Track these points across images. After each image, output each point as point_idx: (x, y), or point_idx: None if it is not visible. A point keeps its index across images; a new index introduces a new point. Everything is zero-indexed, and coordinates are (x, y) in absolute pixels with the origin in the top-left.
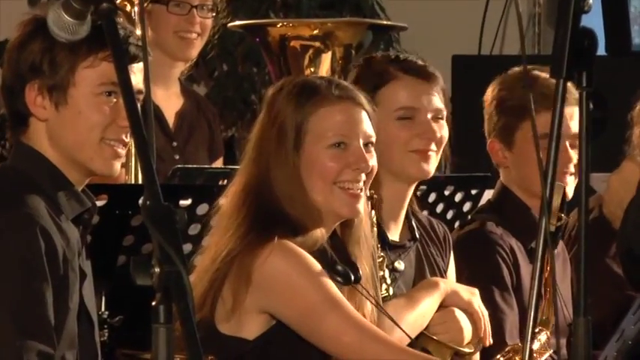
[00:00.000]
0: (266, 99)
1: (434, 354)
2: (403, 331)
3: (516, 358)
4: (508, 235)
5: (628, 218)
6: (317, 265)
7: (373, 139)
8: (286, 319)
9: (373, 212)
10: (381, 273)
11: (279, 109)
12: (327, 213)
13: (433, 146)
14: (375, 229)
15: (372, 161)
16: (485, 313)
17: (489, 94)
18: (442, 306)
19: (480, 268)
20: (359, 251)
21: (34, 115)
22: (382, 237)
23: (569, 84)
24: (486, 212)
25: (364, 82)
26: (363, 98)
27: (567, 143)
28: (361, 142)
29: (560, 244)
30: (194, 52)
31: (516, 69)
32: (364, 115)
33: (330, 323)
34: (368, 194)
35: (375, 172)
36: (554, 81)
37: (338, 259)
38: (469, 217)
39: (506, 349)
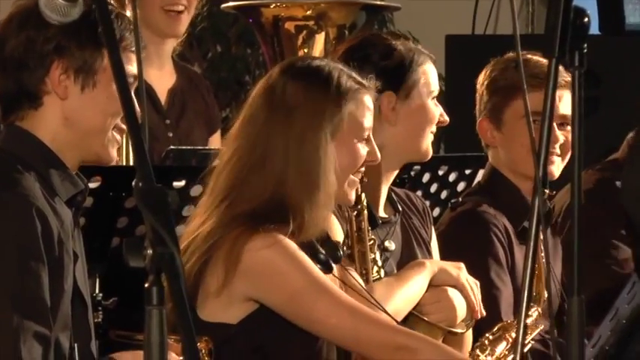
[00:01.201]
0: (278, 79)
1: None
2: (387, 312)
3: (507, 335)
4: (501, 215)
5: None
6: (303, 253)
7: None
8: (275, 306)
9: (363, 195)
10: (372, 255)
11: (313, 98)
12: (335, 200)
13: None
14: (366, 211)
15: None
16: (476, 283)
17: (482, 76)
18: (431, 285)
19: (475, 246)
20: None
21: (56, 93)
22: (371, 217)
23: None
24: (477, 194)
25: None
26: (373, 87)
27: (554, 124)
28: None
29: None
30: (182, 28)
31: (511, 53)
32: (372, 104)
33: (321, 307)
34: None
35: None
36: (545, 62)
37: (321, 242)
38: (459, 198)
39: (497, 327)
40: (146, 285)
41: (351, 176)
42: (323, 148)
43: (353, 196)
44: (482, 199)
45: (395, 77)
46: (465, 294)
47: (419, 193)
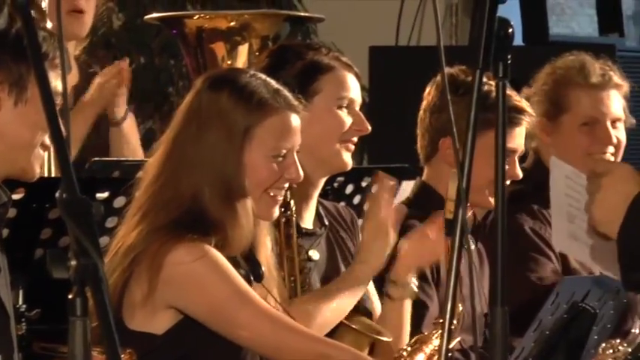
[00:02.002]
0: (200, 89)
1: (352, 344)
2: (306, 330)
3: (424, 347)
4: None
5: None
6: (227, 262)
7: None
8: (198, 315)
9: (292, 202)
10: (300, 262)
11: (226, 108)
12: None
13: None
14: (294, 219)
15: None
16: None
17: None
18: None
19: None
20: (262, 243)
21: None
22: (296, 226)
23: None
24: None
25: None
26: (299, 105)
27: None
28: (295, 150)
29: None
30: (82, 30)
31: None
32: (299, 122)
33: (243, 316)
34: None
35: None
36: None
37: (243, 255)
38: None
39: (414, 339)
40: (70, 296)
41: (271, 192)
42: (231, 161)
43: (275, 212)
44: (411, 212)
45: (297, 83)
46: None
47: (342, 204)
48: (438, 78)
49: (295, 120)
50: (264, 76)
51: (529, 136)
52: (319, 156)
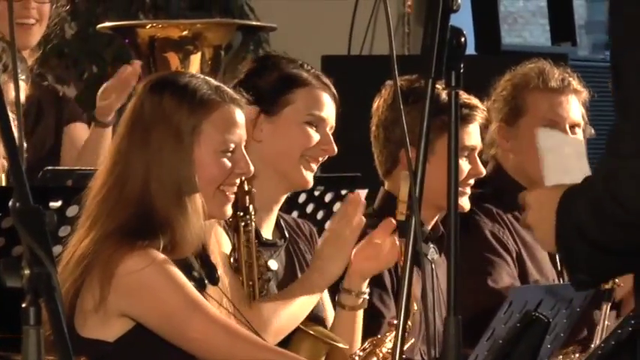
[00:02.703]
0: (141, 94)
1: (309, 350)
2: (259, 335)
3: (377, 350)
4: None
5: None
6: (177, 270)
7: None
8: (149, 323)
9: (252, 207)
10: (259, 268)
11: (170, 110)
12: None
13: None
14: (254, 224)
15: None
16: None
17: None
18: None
19: None
20: (213, 243)
21: None
22: (256, 234)
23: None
24: (370, 218)
25: None
26: (242, 100)
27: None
28: (242, 145)
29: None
30: (32, 39)
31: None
32: (243, 118)
33: (196, 325)
34: (246, 189)
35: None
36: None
37: (199, 259)
38: None
39: (368, 342)
40: (23, 305)
41: (223, 188)
42: (182, 162)
43: (228, 210)
44: (373, 222)
45: (271, 91)
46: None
47: (295, 213)
48: (383, 91)
49: (239, 114)
50: (202, 76)
51: (488, 144)
52: (280, 169)
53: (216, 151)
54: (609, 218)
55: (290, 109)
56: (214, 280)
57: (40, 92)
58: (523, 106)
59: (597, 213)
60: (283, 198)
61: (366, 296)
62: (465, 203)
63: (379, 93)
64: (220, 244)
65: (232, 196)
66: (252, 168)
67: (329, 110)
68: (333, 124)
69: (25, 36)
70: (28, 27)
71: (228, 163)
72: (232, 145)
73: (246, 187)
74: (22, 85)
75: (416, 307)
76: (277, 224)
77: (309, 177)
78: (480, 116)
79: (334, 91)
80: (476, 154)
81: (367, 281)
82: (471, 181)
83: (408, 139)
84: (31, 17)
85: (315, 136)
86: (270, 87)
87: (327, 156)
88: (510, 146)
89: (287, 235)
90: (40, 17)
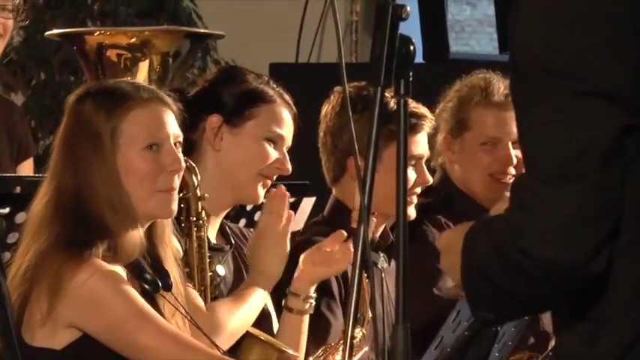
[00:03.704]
0: (69, 106)
1: (259, 356)
2: (211, 341)
3: (330, 357)
4: None
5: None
6: (125, 281)
7: (181, 139)
8: (98, 335)
9: (204, 212)
10: (210, 273)
11: (89, 116)
12: (144, 216)
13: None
14: (205, 229)
15: (182, 162)
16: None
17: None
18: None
19: None
20: (166, 251)
21: None
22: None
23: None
24: (319, 225)
25: None
26: (169, 98)
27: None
28: (172, 142)
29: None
30: None
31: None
32: (171, 115)
33: (144, 336)
34: (199, 194)
35: (182, 172)
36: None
37: (150, 264)
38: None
39: (321, 349)
40: None
41: (159, 187)
42: (105, 167)
43: (173, 208)
44: (321, 229)
45: (235, 103)
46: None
47: (243, 221)
48: (332, 98)
49: (165, 112)
50: (133, 80)
51: (437, 153)
52: (234, 181)
53: (140, 149)
54: (515, 268)
55: (253, 124)
56: (167, 286)
57: None
58: (467, 121)
59: (502, 261)
60: (229, 207)
61: (313, 301)
62: (411, 212)
63: (327, 99)
64: (175, 250)
65: (174, 195)
66: (183, 164)
67: (289, 129)
68: (290, 144)
69: None
70: None
71: (156, 159)
72: (157, 141)
73: (199, 193)
74: None
75: (371, 315)
76: (222, 230)
77: (262, 194)
78: (427, 125)
79: (295, 110)
80: (423, 163)
81: (315, 286)
82: (418, 190)
83: (357, 147)
84: None
85: (273, 154)
86: (236, 99)
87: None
88: (455, 158)
89: (233, 242)
90: (3, 32)
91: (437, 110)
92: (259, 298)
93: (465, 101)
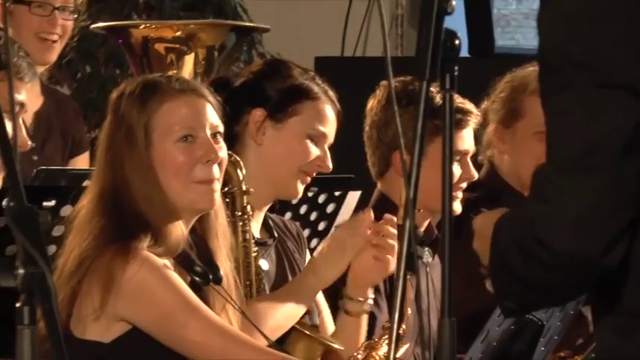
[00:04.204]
0: (110, 103)
1: (305, 350)
2: (262, 334)
3: (374, 353)
4: None
5: (501, 234)
6: (173, 272)
7: (220, 129)
8: (146, 327)
9: (249, 207)
10: (255, 267)
11: (125, 111)
12: (184, 208)
13: None
14: (251, 224)
15: (222, 152)
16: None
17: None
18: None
19: None
20: (218, 245)
21: None
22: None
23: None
24: None
25: None
26: (205, 90)
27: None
28: (208, 132)
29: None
30: (53, 56)
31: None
32: (208, 107)
33: (191, 328)
34: (244, 189)
35: (225, 163)
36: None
37: (199, 258)
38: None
39: (364, 345)
40: (17, 305)
41: (197, 177)
42: (138, 162)
43: (214, 199)
44: None
45: (279, 98)
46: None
47: (288, 214)
48: (378, 92)
49: (199, 103)
50: (168, 74)
51: (485, 146)
52: (274, 176)
53: (175, 140)
54: (532, 258)
55: (296, 120)
56: (218, 280)
57: (50, 104)
58: (520, 110)
59: (521, 251)
60: (270, 202)
61: (371, 301)
62: (456, 207)
63: (373, 94)
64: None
65: (214, 186)
66: (221, 154)
67: (332, 127)
68: (332, 141)
69: (46, 52)
70: (50, 43)
71: (191, 150)
72: (192, 132)
73: (244, 187)
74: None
75: (410, 311)
76: (265, 224)
77: (301, 190)
78: (473, 121)
79: (339, 107)
80: (468, 158)
81: (370, 288)
82: (463, 185)
83: (402, 142)
84: (54, 34)
85: (315, 151)
86: (281, 94)
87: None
88: (506, 148)
89: (276, 235)
90: (62, 33)
91: (485, 104)
92: (306, 297)
93: (518, 90)
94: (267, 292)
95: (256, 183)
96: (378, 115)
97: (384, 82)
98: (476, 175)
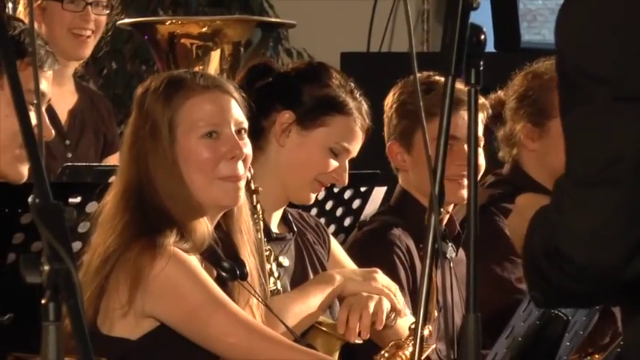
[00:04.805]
0: (135, 98)
1: (323, 346)
2: (287, 327)
3: (400, 352)
4: (407, 236)
5: (534, 229)
6: (200, 268)
7: (245, 125)
8: (173, 322)
9: (259, 206)
10: (269, 266)
11: (149, 107)
12: (208, 205)
13: None
14: (262, 222)
15: (247, 149)
16: (393, 285)
17: (390, 97)
18: (342, 297)
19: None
20: (242, 241)
21: None
22: (266, 229)
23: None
24: (386, 214)
25: None
26: (230, 86)
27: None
28: (233, 128)
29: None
30: (87, 51)
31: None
32: (233, 103)
33: (217, 324)
34: (252, 187)
35: (250, 160)
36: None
37: (224, 254)
38: (368, 218)
39: (390, 344)
40: (43, 301)
41: (222, 174)
42: (162, 158)
43: (239, 196)
44: (390, 220)
45: (312, 105)
46: (382, 297)
47: (314, 210)
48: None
49: (224, 99)
50: (193, 70)
51: (507, 143)
52: (289, 180)
53: (199, 136)
54: (558, 267)
55: (323, 131)
56: (244, 276)
57: (85, 102)
58: (552, 109)
59: (548, 258)
60: (285, 203)
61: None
62: (464, 194)
63: (392, 89)
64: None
65: (239, 183)
66: (245, 151)
67: (357, 144)
68: (354, 156)
69: (80, 48)
70: (83, 39)
71: (215, 147)
72: (216, 128)
73: (252, 186)
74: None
75: (436, 314)
76: (284, 218)
77: (312, 198)
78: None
79: (369, 123)
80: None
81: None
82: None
83: (427, 137)
84: (88, 29)
85: (334, 164)
86: (314, 102)
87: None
88: (536, 146)
89: (295, 229)
90: (96, 28)
91: (498, 96)
92: (327, 296)
93: (549, 88)
94: (288, 287)
95: (271, 182)
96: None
97: (406, 79)
98: (484, 164)
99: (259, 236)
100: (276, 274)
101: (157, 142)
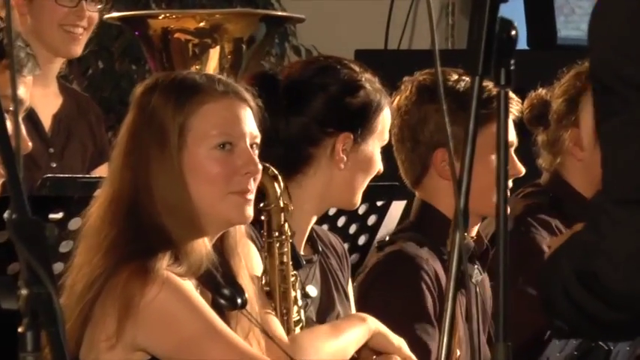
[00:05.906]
0: (135, 99)
1: None
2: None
3: None
4: (434, 258)
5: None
6: (196, 295)
7: (258, 140)
8: (166, 356)
9: (287, 225)
10: (294, 294)
11: (156, 109)
12: (215, 221)
13: None
14: (289, 245)
15: (259, 165)
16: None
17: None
18: (367, 346)
19: (402, 295)
20: (240, 266)
21: None
22: (294, 256)
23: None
24: (407, 232)
25: None
26: (246, 93)
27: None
28: (248, 142)
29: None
30: (79, 49)
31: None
32: (249, 113)
33: (216, 356)
34: (282, 205)
35: (260, 178)
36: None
37: (223, 279)
38: (387, 237)
39: None
40: (20, 329)
41: (233, 189)
42: (169, 168)
43: (249, 213)
44: (412, 238)
45: (357, 119)
46: None
47: (325, 226)
48: (402, 88)
49: (241, 108)
50: (209, 73)
51: (551, 151)
52: (344, 195)
53: (211, 147)
54: (591, 291)
55: (373, 138)
56: (243, 304)
57: (70, 105)
58: None
59: (582, 284)
60: (321, 215)
61: None
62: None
63: (397, 90)
64: (250, 266)
65: (249, 198)
66: (259, 166)
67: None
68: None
69: (72, 45)
70: (76, 36)
71: (229, 160)
72: (230, 140)
73: (282, 204)
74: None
75: (459, 353)
76: (310, 237)
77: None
78: (515, 108)
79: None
80: (513, 152)
81: None
82: (509, 183)
83: (451, 144)
84: (80, 26)
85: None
86: (360, 112)
87: None
88: (584, 155)
89: (320, 249)
90: (88, 25)
91: (535, 96)
92: (363, 333)
93: None
94: (314, 315)
95: (315, 203)
96: (409, 114)
97: (407, 78)
98: (523, 170)
99: (285, 260)
100: (300, 302)
101: (164, 148)
